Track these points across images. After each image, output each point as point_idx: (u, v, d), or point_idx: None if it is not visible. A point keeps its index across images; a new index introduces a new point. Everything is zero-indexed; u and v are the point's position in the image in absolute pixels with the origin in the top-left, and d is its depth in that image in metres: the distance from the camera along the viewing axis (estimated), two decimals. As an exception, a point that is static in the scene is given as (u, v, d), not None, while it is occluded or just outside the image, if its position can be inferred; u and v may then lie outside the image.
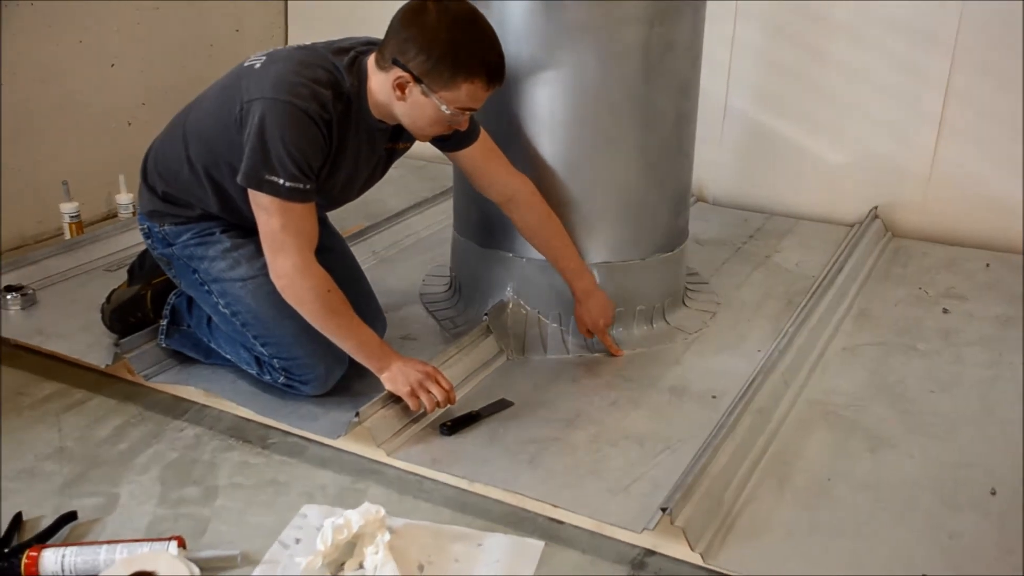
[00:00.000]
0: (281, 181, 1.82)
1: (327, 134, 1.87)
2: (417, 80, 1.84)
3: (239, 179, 1.87)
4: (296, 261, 1.87)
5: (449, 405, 1.99)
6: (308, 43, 1.98)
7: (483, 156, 2.15)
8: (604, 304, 2.25)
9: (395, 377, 1.94)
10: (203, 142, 1.99)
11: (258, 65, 1.91)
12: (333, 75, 1.88)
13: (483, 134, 2.14)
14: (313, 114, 1.83)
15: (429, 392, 1.93)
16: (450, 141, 2.09)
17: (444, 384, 1.96)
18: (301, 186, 1.84)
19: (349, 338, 1.94)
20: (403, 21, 1.84)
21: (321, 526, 1.63)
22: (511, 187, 2.18)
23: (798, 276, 2.81)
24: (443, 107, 1.86)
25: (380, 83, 1.90)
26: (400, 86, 1.86)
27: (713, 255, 2.96)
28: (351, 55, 1.93)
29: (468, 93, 1.86)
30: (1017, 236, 3.01)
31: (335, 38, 1.99)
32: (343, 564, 1.61)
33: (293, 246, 1.86)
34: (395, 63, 1.84)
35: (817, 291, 2.54)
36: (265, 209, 1.86)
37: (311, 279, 1.88)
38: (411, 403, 1.93)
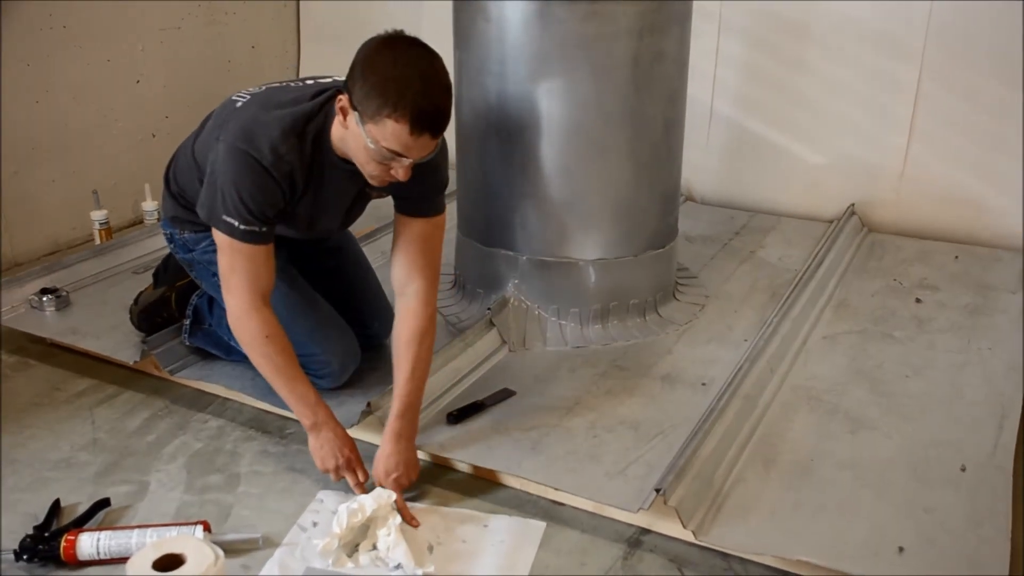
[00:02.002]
0: (236, 223, 1.74)
1: (286, 182, 1.78)
2: (353, 107, 1.65)
3: (199, 211, 1.82)
4: (241, 302, 1.76)
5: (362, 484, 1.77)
6: (298, 82, 1.90)
7: (420, 236, 1.89)
8: (409, 459, 1.80)
9: (319, 447, 1.77)
10: (203, 160, 1.98)
11: (239, 104, 1.84)
12: (297, 121, 1.76)
13: (434, 221, 1.90)
14: (268, 165, 1.73)
15: (341, 476, 1.77)
16: (406, 203, 1.89)
17: (360, 477, 1.77)
18: (256, 228, 1.75)
19: (283, 387, 1.78)
20: (363, 48, 1.67)
21: (336, 511, 1.62)
22: (414, 280, 1.88)
23: (781, 270, 2.80)
24: (368, 141, 1.64)
25: (337, 117, 1.75)
26: (342, 110, 1.69)
27: (702, 251, 2.95)
28: (327, 95, 1.81)
29: (393, 133, 1.61)
30: (983, 230, 3.00)
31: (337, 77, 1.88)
32: (357, 546, 1.61)
33: (240, 288, 1.76)
34: (345, 87, 1.68)
35: (799, 283, 2.53)
36: (221, 248, 1.78)
37: (253, 321, 1.76)
38: (320, 468, 1.79)
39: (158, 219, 3.15)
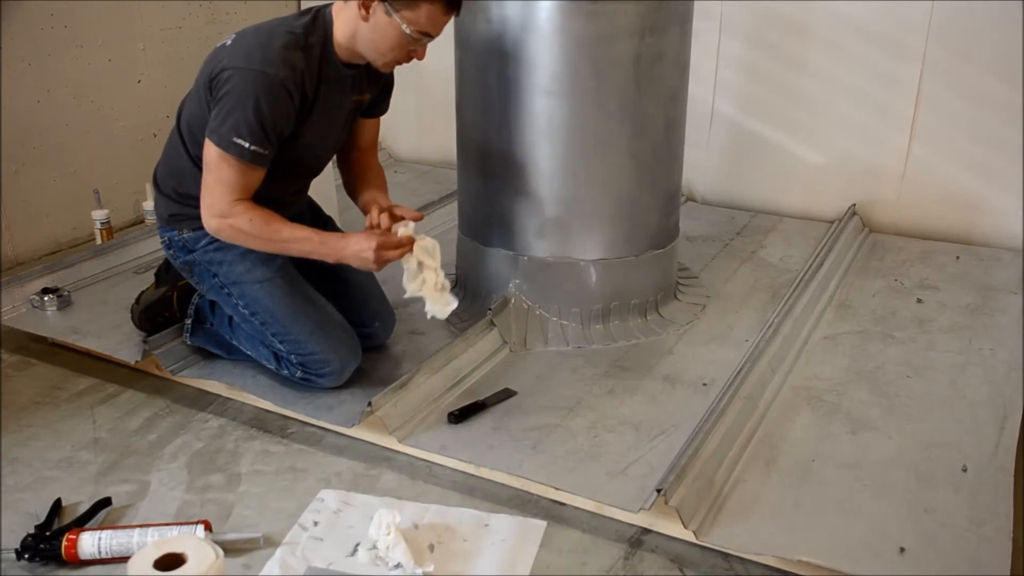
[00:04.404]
0: (247, 144, 1.83)
1: (298, 92, 1.88)
2: None
3: (207, 133, 1.87)
4: (222, 200, 1.88)
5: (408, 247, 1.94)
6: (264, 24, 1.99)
7: (375, 130, 2.24)
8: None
9: (353, 256, 1.93)
10: (190, 129, 2.00)
11: (229, 42, 1.92)
12: (299, 36, 1.88)
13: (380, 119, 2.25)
14: (285, 81, 1.84)
15: (378, 258, 1.91)
16: (372, 109, 2.16)
17: (389, 243, 1.92)
18: (262, 151, 1.86)
19: (281, 247, 1.94)
20: None
21: (338, 510, 1.62)
22: (373, 152, 2.26)
23: (782, 270, 2.81)
24: (404, 27, 1.84)
25: (346, 17, 1.90)
26: (365, 5, 1.85)
27: (703, 251, 2.95)
28: (312, 12, 1.94)
29: (428, 15, 1.84)
30: (984, 230, 3.00)
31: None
32: (356, 545, 1.61)
33: (223, 193, 1.88)
34: None
35: (800, 284, 2.53)
36: (217, 161, 1.86)
37: (228, 207, 1.88)
38: (376, 267, 1.94)
39: (159, 219, 3.15)
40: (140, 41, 3.33)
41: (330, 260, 1.95)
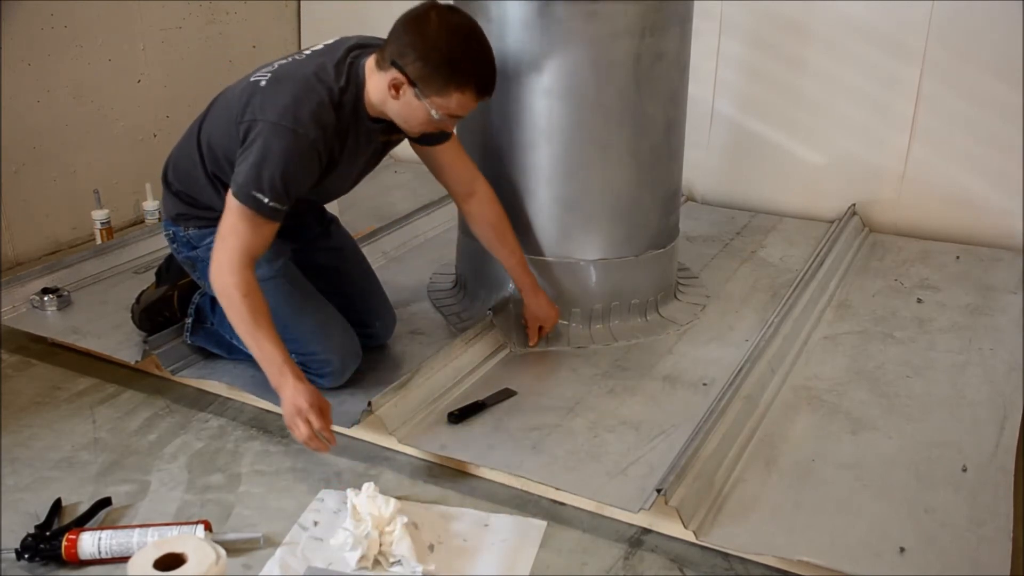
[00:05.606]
0: (266, 200, 1.79)
1: (326, 155, 1.86)
2: (412, 84, 1.82)
3: (231, 188, 1.83)
4: (231, 258, 1.79)
5: (327, 446, 1.78)
6: (310, 52, 1.95)
7: (454, 153, 2.15)
8: (550, 302, 2.27)
9: (285, 402, 1.79)
10: (213, 152, 1.98)
11: (264, 83, 1.87)
12: (334, 94, 1.85)
13: (456, 138, 2.15)
14: (315, 139, 1.81)
15: (306, 423, 1.75)
16: (425, 139, 2.08)
17: (325, 421, 1.77)
18: (280, 207, 1.81)
19: (253, 346, 1.80)
20: (406, 26, 1.82)
21: (338, 510, 1.62)
22: (474, 184, 2.19)
23: (782, 270, 2.81)
24: (434, 112, 1.84)
25: (377, 83, 1.87)
26: (396, 87, 1.84)
27: (703, 251, 2.95)
28: (348, 63, 1.90)
29: (458, 102, 1.84)
30: (984, 230, 3.00)
31: (330, 42, 1.97)
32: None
33: (235, 248, 1.80)
34: (394, 64, 1.82)
35: (800, 284, 2.53)
36: (235, 213, 1.81)
37: (235, 277, 1.78)
38: (293, 433, 1.80)
39: (159, 219, 3.15)
40: (140, 41, 3.33)
41: (271, 381, 1.81)
